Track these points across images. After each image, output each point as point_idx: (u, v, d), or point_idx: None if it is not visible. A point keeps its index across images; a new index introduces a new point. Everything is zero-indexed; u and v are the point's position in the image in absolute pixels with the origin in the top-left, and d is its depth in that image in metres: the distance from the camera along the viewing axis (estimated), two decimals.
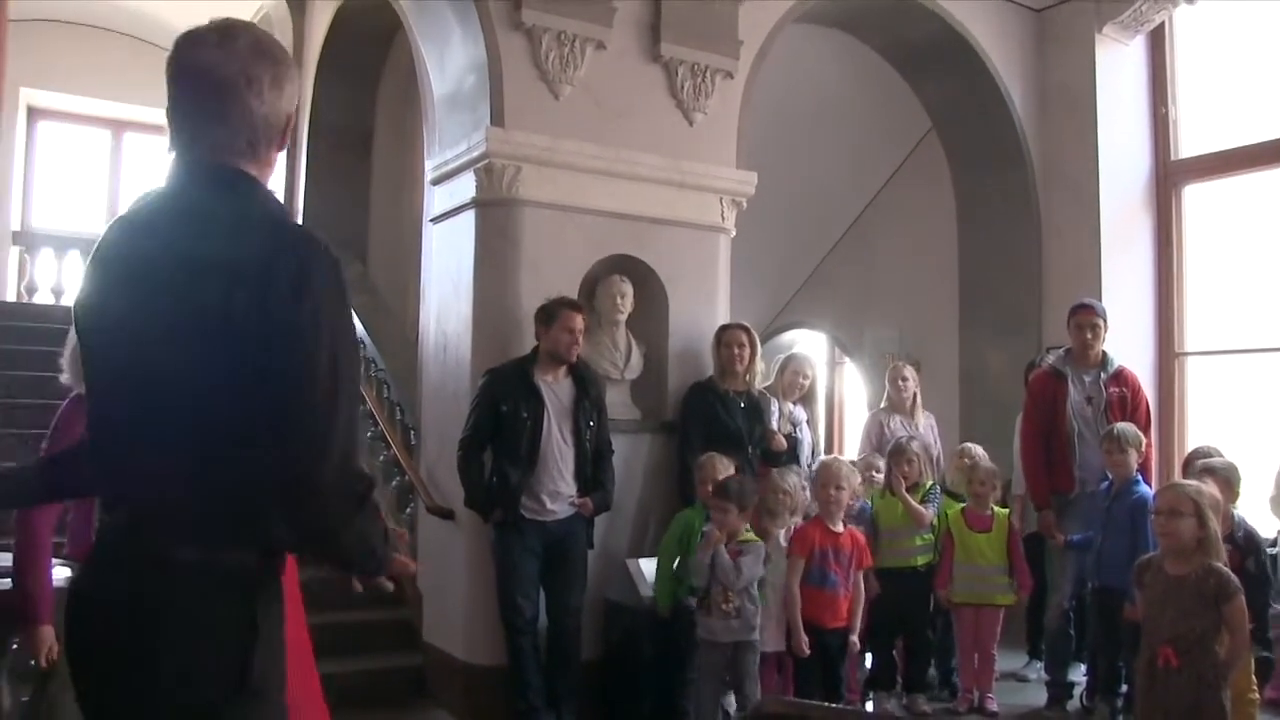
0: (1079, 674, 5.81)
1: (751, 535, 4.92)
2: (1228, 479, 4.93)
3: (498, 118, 5.49)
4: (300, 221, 1.91)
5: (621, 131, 5.82)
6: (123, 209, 2.00)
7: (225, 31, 1.83)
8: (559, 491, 5.08)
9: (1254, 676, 4.65)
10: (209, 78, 1.80)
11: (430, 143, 6.21)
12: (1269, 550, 5.59)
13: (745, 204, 6.29)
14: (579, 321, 5.14)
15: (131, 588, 1.72)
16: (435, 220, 6.09)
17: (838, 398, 10.57)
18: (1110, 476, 5.40)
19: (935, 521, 5.73)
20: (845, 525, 5.16)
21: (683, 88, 6.03)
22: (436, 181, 6.03)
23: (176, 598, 1.69)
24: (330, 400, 1.69)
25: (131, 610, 1.70)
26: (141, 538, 1.73)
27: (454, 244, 5.83)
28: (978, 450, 6.25)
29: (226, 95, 1.80)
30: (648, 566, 5.43)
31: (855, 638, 5.11)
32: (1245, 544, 4.80)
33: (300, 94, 1.99)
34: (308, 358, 1.69)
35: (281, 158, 2.04)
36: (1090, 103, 7.39)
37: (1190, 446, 6.77)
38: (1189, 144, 7.56)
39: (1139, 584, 4.03)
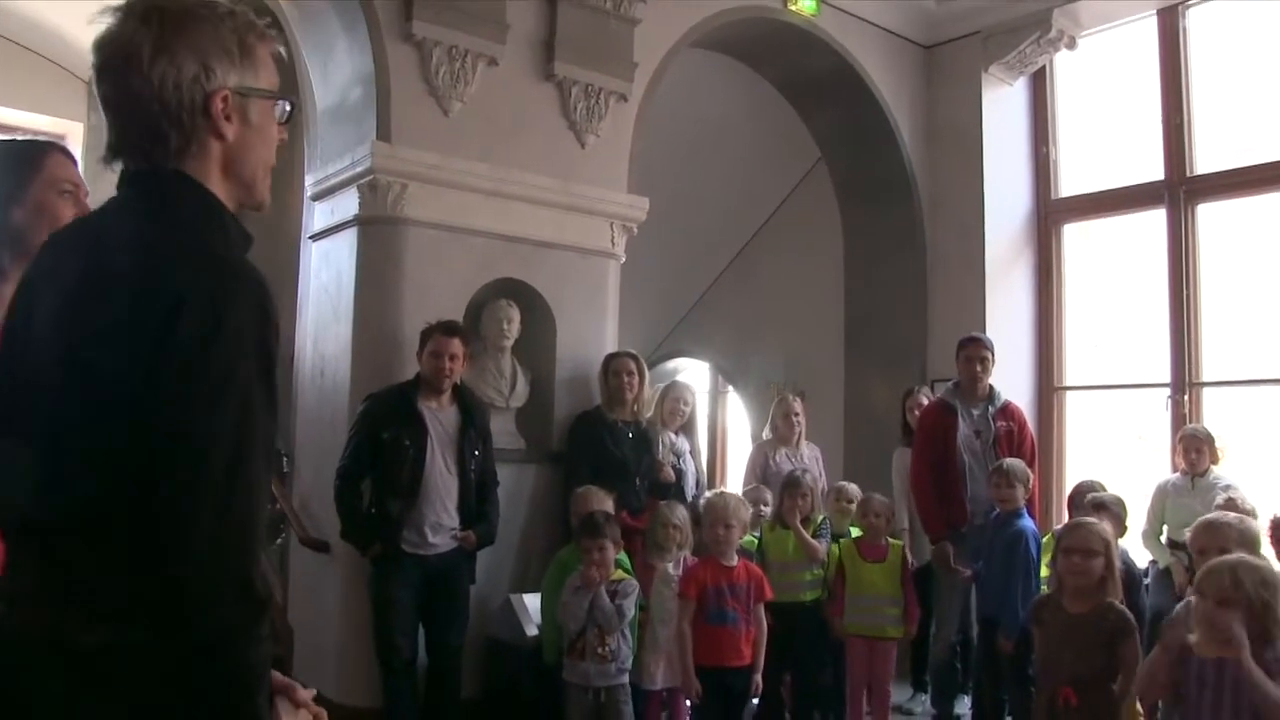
0: (964, 706, 5.81)
1: (623, 573, 4.78)
2: (1117, 514, 4.99)
3: (384, 132, 5.29)
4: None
5: (512, 151, 5.67)
6: None
7: (124, 3, 1.50)
8: (441, 524, 4.86)
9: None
10: (96, 65, 1.51)
11: (311, 156, 5.95)
12: (1144, 581, 5.73)
13: (636, 229, 6.18)
14: (453, 346, 4.91)
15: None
16: (315, 237, 5.83)
17: (721, 427, 10.52)
18: (997, 510, 5.42)
19: (826, 556, 5.67)
20: (739, 558, 5.03)
21: (575, 108, 5.91)
22: (317, 197, 5.78)
23: (75, 686, 1.36)
24: (229, 473, 1.35)
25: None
26: (15, 619, 1.40)
27: (334, 263, 5.58)
28: (853, 488, 6.16)
29: (108, 81, 1.50)
30: (532, 603, 5.25)
31: (759, 677, 4.97)
32: (1124, 579, 4.84)
33: (260, 66, 1.56)
34: (206, 419, 1.35)
35: None
36: (976, 139, 7.52)
37: (1069, 480, 6.91)
38: (1068, 184, 7.74)
39: (1037, 621, 4.02)
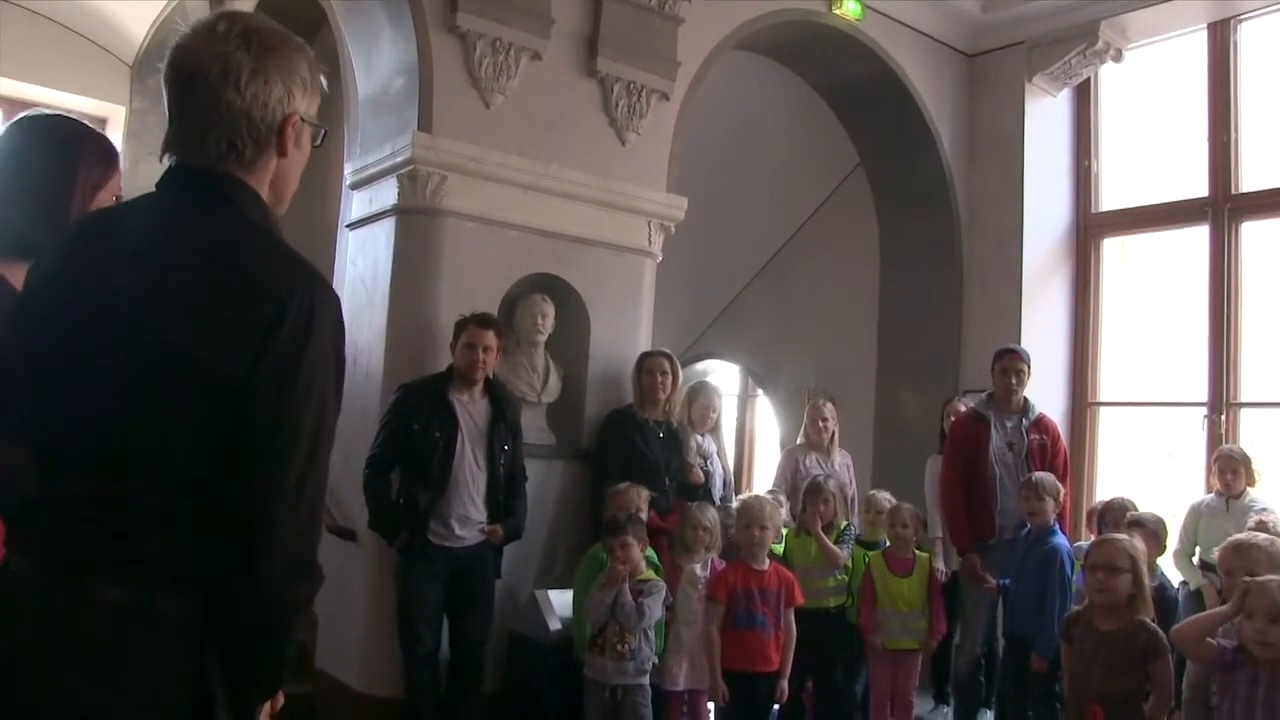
0: None
1: (652, 573, 4.76)
2: (1155, 532, 4.93)
3: (425, 123, 5.28)
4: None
5: (552, 146, 5.66)
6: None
7: (216, 20, 1.63)
8: (469, 517, 4.85)
9: None
10: (183, 70, 1.61)
11: (351, 145, 5.96)
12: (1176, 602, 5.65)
13: (674, 229, 6.16)
14: (486, 338, 4.91)
15: (37, 632, 1.45)
16: (352, 226, 5.84)
17: (749, 431, 10.47)
18: (1028, 524, 5.36)
19: (849, 563, 5.63)
20: (769, 562, 5.00)
21: (617, 106, 5.89)
22: (356, 186, 5.78)
23: (97, 640, 1.44)
24: (306, 464, 1.52)
25: (37, 658, 1.44)
26: (54, 579, 1.47)
27: (371, 252, 5.58)
28: (883, 498, 6.10)
29: (198, 87, 1.60)
30: (557, 598, 5.24)
31: (784, 683, 4.94)
32: (1157, 598, 4.78)
33: (318, 96, 1.74)
34: (296, 413, 1.50)
35: None
36: (1017, 150, 7.45)
37: (1098, 496, 6.83)
38: (1109, 198, 7.66)
39: (1067, 638, 3.97)
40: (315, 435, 1.53)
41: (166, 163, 1.67)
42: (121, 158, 2.38)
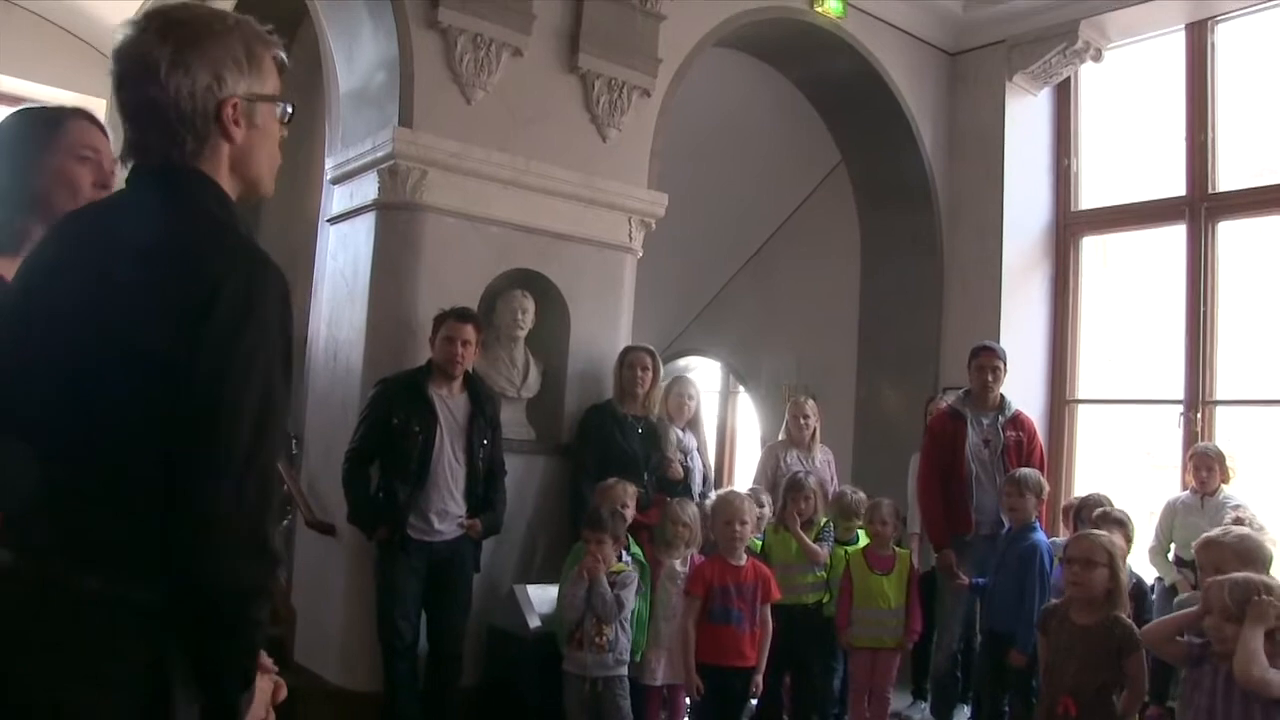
0: (964, 716, 5.79)
1: (623, 565, 4.79)
2: (1125, 528, 4.97)
3: (406, 118, 5.28)
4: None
5: (533, 142, 5.66)
6: None
7: (143, 16, 1.63)
8: (447, 511, 4.86)
9: None
10: (115, 72, 1.63)
11: (332, 140, 5.95)
12: (1150, 598, 5.71)
13: (654, 225, 6.17)
14: (466, 332, 4.92)
15: (10, 621, 1.47)
16: (333, 220, 5.83)
17: (730, 428, 10.50)
18: (1007, 521, 5.39)
19: (828, 559, 5.65)
20: (747, 557, 5.02)
21: (598, 102, 5.90)
22: (337, 180, 5.78)
23: (67, 629, 1.46)
24: (251, 446, 1.50)
25: (8, 646, 1.46)
26: (29, 569, 1.50)
27: (351, 246, 5.58)
28: (858, 497, 6.04)
29: (128, 87, 1.62)
30: (536, 594, 5.24)
31: (760, 678, 4.96)
32: (1132, 594, 4.83)
33: (266, 72, 1.70)
34: (234, 396, 1.49)
35: None
36: (998, 148, 7.49)
37: (1076, 493, 6.87)
38: (1088, 196, 7.71)
39: (1043, 630, 4.00)
40: (259, 417, 1.50)
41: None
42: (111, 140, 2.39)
